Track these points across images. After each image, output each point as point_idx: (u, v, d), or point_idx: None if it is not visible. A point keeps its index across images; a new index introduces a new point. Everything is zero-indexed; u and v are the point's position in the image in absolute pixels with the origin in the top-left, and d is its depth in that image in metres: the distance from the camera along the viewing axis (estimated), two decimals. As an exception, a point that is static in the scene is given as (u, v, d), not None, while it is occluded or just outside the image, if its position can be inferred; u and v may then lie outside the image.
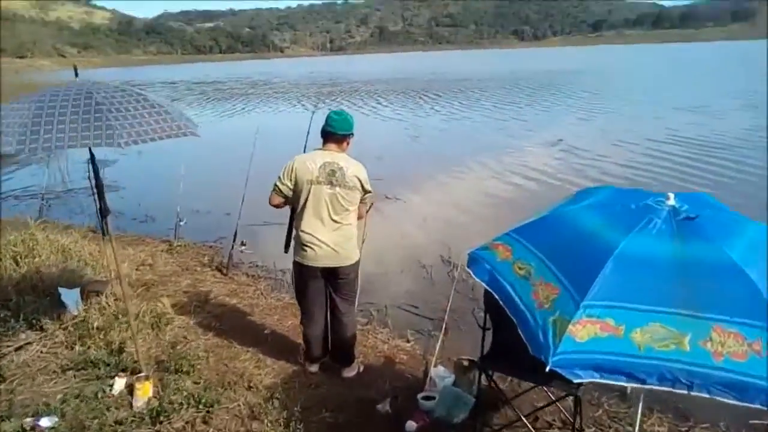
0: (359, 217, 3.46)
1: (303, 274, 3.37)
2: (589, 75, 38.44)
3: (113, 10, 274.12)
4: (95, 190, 3.05)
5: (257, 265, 6.24)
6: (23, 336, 3.77)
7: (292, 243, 3.41)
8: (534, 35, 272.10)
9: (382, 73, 49.96)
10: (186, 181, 8.35)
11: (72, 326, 3.89)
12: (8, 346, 3.62)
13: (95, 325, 3.78)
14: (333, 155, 3.22)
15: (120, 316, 3.96)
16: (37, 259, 5.07)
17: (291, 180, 3.22)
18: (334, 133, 3.23)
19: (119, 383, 3.12)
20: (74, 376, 3.30)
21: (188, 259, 6.17)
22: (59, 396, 3.07)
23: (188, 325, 4.30)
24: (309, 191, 3.18)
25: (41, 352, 3.57)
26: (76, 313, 4.10)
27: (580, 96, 24.16)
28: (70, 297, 4.21)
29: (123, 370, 3.34)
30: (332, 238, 3.24)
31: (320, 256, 3.26)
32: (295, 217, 3.35)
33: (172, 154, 13.46)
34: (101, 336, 3.71)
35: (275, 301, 5.15)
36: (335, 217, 3.22)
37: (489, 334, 3.03)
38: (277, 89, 31.16)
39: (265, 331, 4.35)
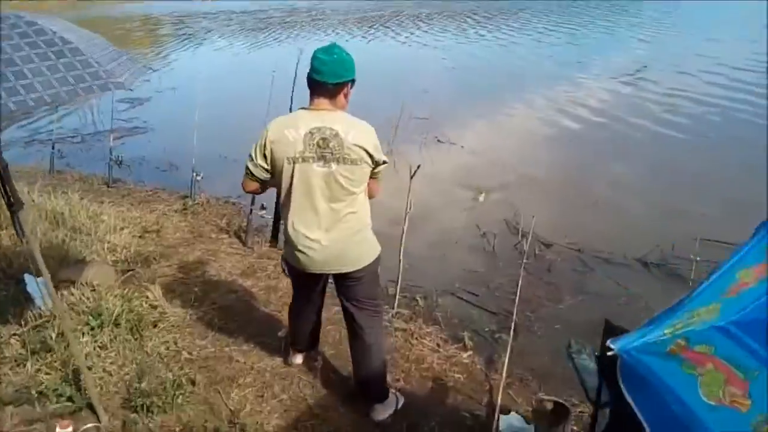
0: (369, 197, 2.41)
1: (296, 277, 2.54)
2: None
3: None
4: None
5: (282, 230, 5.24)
6: (-33, 346, 2.95)
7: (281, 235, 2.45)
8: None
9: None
10: (213, 124, 7.39)
11: (32, 329, 3.03)
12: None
13: (55, 332, 2.89)
14: (324, 116, 2.18)
15: (91, 320, 3.06)
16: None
17: (266, 158, 2.23)
18: (323, 83, 2.15)
19: (59, 437, 2.22)
20: (10, 416, 2.44)
21: (203, 222, 5.24)
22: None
23: (183, 323, 3.38)
24: (292, 173, 2.19)
25: (-22, 375, 2.73)
26: (43, 308, 3.24)
27: (651, 17, 21.11)
28: (37, 286, 3.34)
29: (73, 412, 2.45)
30: (333, 235, 2.26)
31: (317, 261, 2.32)
32: (280, 208, 2.35)
33: (210, 92, 12.56)
34: (61, 350, 2.82)
35: (299, 282, 4.16)
36: (335, 206, 2.23)
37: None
38: (316, 16, 29.33)
39: (279, 333, 3.37)
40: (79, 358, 2.28)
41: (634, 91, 9.88)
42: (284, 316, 3.58)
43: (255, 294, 3.89)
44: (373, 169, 2.26)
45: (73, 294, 3.29)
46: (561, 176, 6.22)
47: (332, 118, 2.17)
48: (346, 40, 19.35)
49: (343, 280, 2.43)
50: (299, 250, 2.29)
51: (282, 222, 2.38)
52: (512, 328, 3.37)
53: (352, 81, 2.23)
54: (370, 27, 23.33)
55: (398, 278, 3.71)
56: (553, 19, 22.07)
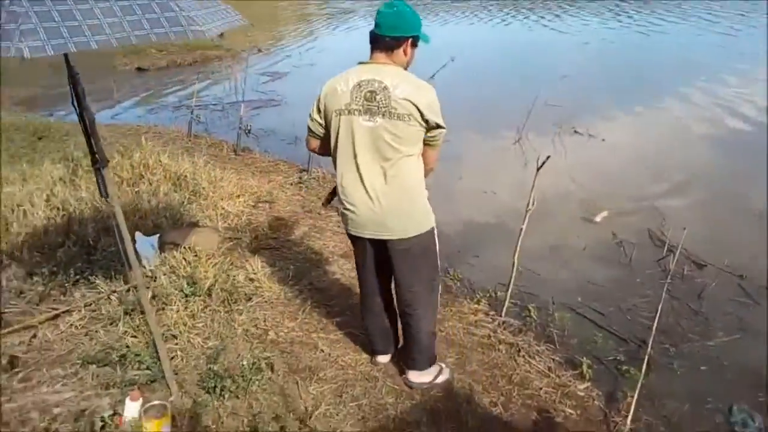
0: (425, 171, 2.24)
1: (353, 243, 2.44)
2: None
3: None
4: (81, 122, 1.92)
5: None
6: (75, 296, 3.05)
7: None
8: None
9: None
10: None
11: (132, 288, 3.06)
12: (50, 310, 2.91)
13: (149, 297, 2.87)
14: (377, 69, 2.08)
15: (185, 287, 3.02)
16: (143, 187, 4.43)
17: (320, 112, 2.19)
18: (381, 36, 2.07)
19: (131, 408, 2.14)
20: (92, 376, 2.43)
21: (315, 198, 5.14)
22: (47, 417, 2.21)
23: (276, 299, 3.25)
24: (339, 126, 2.12)
25: (76, 327, 2.79)
26: (151, 267, 3.29)
27: None
28: (147, 245, 3.41)
29: (151, 381, 2.38)
30: (378, 196, 2.13)
31: (363, 223, 2.21)
32: (335, 165, 2.24)
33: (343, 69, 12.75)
34: (154, 313, 2.80)
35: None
36: (382, 165, 2.11)
37: None
38: None
39: (371, 326, 3.10)
40: (155, 330, 2.18)
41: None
42: (379, 308, 3.31)
43: (353, 279, 3.63)
44: (427, 132, 2.11)
45: (174, 257, 3.30)
46: (721, 184, 5.22)
47: (385, 71, 2.06)
48: (485, 22, 18.55)
49: (391, 250, 2.25)
50: (346, 209, 2.22)
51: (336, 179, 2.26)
52: (645, 361, 2.80)
53: (414, 38, 2.11)
54: (512, 8, 22.15)
55: (510, 282, 3.26)
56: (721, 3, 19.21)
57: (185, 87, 11.32)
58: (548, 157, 2.94)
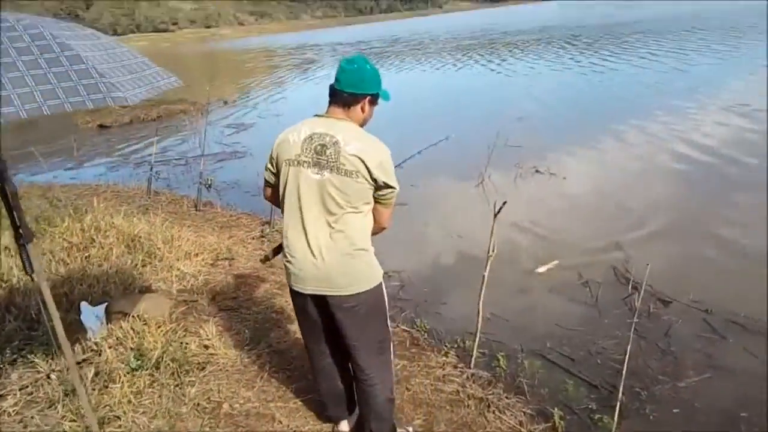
0: (375, 229, 2.18)
1: (293, 300, 2.31)
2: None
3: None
4: (2, 197, 1.79)
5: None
6: (11, 378, 2.83)
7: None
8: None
9: (540, 21, 45.17)
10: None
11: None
12: (-20, 396, 2.68)
13: (90, 374, 2.68)
14: (332, 123, 2.05)
15: (132, 360, 2.83)
16: (93, 251, 4.24)
17: (273, 161, 2.16)
18: (340, 92, 2.05)
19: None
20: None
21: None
22: None
23: (232, 367, 3.07)
24: (287, 176, 2.08)
25: (9, 413, 2.57)
26: (95, 339, 3.09)
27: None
28: (92, 316, 3.21)
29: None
30: (323, 249, 2.05)
31: (304, 277, 2.12)
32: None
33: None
34: (96, 394, 2.60)
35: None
36: (327, 219, 2.05)
37: None
38: (414, 45, 29.52)
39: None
40: (90, 416, 2.00)
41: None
42: (342, 368, 3.16)
43: (315, 338, 3.51)
44: (377, 190, 2.05)
45: (122, 327, 3.11)
46: (682, 219, 5.27)
47: (338, 126, 2.03)
48: (437, 69, 19.08)
49: (334, 307, 2.14)
50: (288, 261, 2.15)
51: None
52: (617, 408, 2.72)
53: (373, 96, 2.09)
54: (463, 55, 22.91)
55: (477, 331, 3.17)
56: (661, 44, 20.21)
57: (148, 143, 11.21)
58: (504, 203, 2.90)
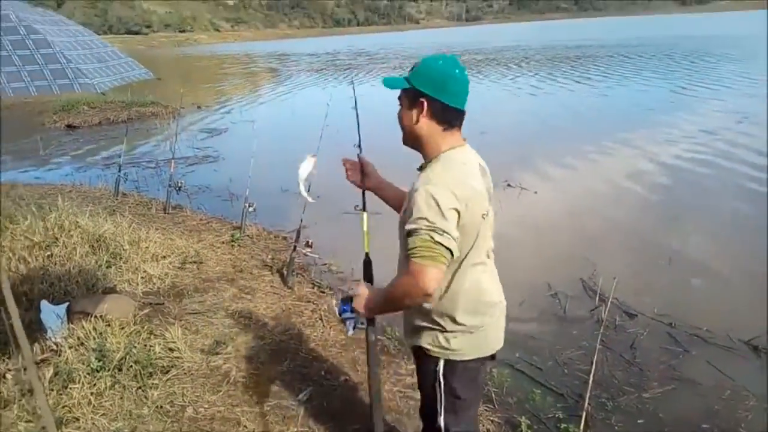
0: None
1: (467, 372, 1.81)
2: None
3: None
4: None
5: (330, 270, 4.85)
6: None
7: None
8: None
9: (514, 40, 46.19)
10: (276, 157, 7.30)
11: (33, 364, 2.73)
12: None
13: (49, 374, 2.57)
14: (473, 152, 1.74)
15: (93, 361, 2.73)
16: (56, 250, 4.11)
17: (460, 219, 1.54)
18: (462, 111, 1.64)
19: None
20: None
21: (248, 256, 4.94)
22: None
23: (196, 372, 2.99)
24: (478, 231, 1.63)
25: (-43, 414, 2.45)
26: (55, 339, 2.98)
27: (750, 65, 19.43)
28: (52, 315, 3.10)
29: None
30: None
31: (501, 333, 1.89)
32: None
33: (281, 126, 12.78)
34: (54, 395, 2.50)
35: (336, 333, 3.71)
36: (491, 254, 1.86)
37: None
38: (378, 59, 29.89)
39: (300, 396, 2.89)
40: (46, 415, 1.91)
41: (731, 145, 8.71)
42: (311, 374, 3.12)
43: (284, 343, 3.46)
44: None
45: (84, 328, 3.01)
46: (649, 234, 5.42)
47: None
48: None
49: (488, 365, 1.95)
50: (485, 316, 1.77)
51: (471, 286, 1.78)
52: (583, 418, 2.75)
53: None
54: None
55: (447, 340, 3.16)
56: (650, 66, 20.97)
57: (117, 144, 10.98)
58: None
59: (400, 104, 1.65)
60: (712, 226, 5.56)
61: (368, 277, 1.91)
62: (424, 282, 1.47)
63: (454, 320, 1.67)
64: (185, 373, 2.94)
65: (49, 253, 4.06)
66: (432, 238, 1.47)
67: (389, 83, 1.64)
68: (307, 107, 15.26)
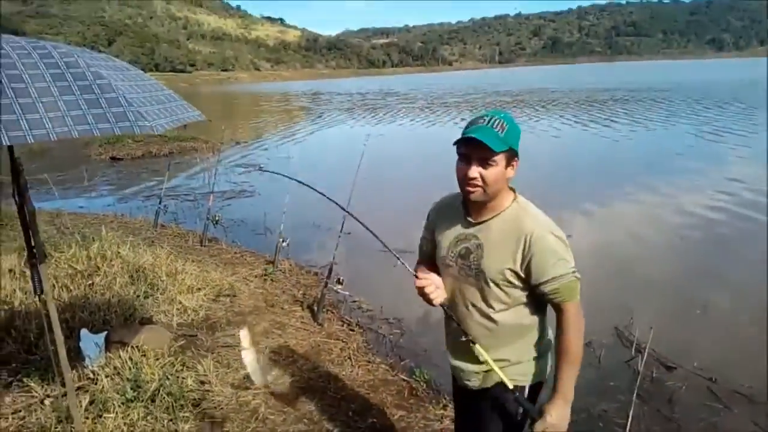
0: None
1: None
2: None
3: (303, 28, 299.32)
4: (20, 215, 1.83)
5: (360, 308, 4.86)
6: (5, 401, 2.78)
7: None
8: (735, 45, 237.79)
9: (543, 82, 46.44)
10: (311, 193, 7.45)
11: (66, 393, 2.81)
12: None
13: (85, 402, 2.63)
14: None
15: (128, 391, 2.79)
16: (97, 279, 4.25)
17: None
18: None
19: None
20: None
21: (279, 291, 5.01)
22: None
23: (226, 406, 3.01)
24: None
25: (-1, 437, 2.53)
26: (92, 367, 3.06)
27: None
28: (91, 344, 3.19)
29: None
30: None
31: None
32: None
33: (315, 162, 13.03)
34: (89, 424, 2.55)
35: (365, 372, 3.69)
36: None
37: None
38: (405, 100, 30.51)
39: (329, 435, 2.87)
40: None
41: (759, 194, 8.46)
42: (339, 415, 3.11)
43: (313, 380, 3.46)
44: None
45: (120, 357, 3.08)
46: (690, 284, 5.27)
47: None
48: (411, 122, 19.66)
49: None
50: None
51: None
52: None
53: None
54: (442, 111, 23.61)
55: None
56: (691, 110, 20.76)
57: (158, 176, 11.37)
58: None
59: (490, 164, 1.62)
60: (747, 277, 5.37)
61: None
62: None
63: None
64: (215, 407, 2.96)
65: (90, 281, 4.20)
66: (577, 279, 1.67)
67: (496, 146, 1.60)
68: (336, 144, 15.64)
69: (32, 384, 2.87)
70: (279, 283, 5.22)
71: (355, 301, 4.96)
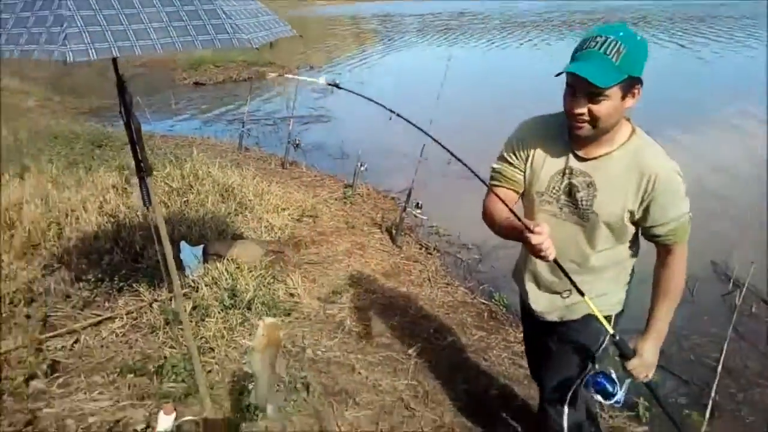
0: None
1: None
2: None
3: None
4: (127, 130, 1.91)
5: (437, 233, 4.86)
6: (118, 303, 3.07)
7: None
8: None
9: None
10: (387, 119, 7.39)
11: (172, 299, 3.05)
12: (93, 316, 2.93)
13: (188, 308, 2.86)
14: None
15: (226, 299, 2.99)
16: (191, 197, 4.49)
17: None
18: None
19: (164, 422, 2.09)
20: (128, 386, 2.41)
21: (359, 214, 5.09)
22: (82, 426, 2.19)
23: (314, 318, 3.17)
24: None
25: (117, 334, 2.80)
26: (192, 277, 3.29)
27: None
28: (191, 255, 3.42)
29: (186, 395, 2.34)
30: None
31: None
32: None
33: (394, 86, 12.79)
34: (192, 325, 2.77)
35: (444, 294, 3.75)
36: None
37: None
38: (474, 20, 28.63)
39: (410, 351, 2.98)
40: (190, 344, 2.13)
41: None
42: (420, 332, 3.19)
43: (394, 299, 3.56)
44: None
45: (217, 268, 3.28)
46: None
47: None
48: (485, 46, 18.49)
49: None
50: None
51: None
52: (709, 406, 2.57)
53: None
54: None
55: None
56: None
57: (240, 102, 11.63)
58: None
59: (601, 98, 1.38)
60: None
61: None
62: None
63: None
64: (304, 318, 3.13)
65: (185, 198, 4.45)
66: (691, 218, 1.61)
67: (604, 81, 1.35)
68: (410, 68, 15.20)
69: (141, 289, 3.14)
70: (358, 206, 5.30)
71: (432, 226, 4.96)
